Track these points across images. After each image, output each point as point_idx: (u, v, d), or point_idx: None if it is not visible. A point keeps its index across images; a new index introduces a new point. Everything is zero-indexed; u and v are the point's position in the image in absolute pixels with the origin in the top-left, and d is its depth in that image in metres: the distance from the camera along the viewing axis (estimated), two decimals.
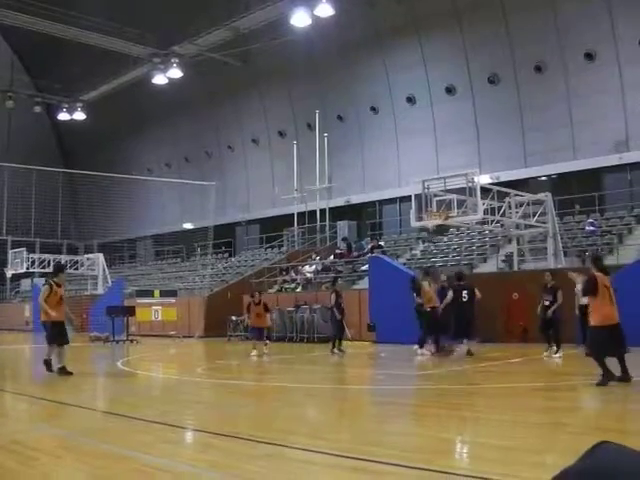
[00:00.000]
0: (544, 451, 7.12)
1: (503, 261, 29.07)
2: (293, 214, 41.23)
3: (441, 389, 13.07)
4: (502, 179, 33.63)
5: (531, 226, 27.03)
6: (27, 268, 45.06)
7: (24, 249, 45.56)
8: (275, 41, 41.04)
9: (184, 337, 33.88)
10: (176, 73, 45.62)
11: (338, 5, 36.53)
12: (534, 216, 26.74)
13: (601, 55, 33.62)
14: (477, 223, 26.86)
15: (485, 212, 24.57)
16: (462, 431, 8.81)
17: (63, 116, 57.67)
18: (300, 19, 37.43)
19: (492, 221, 26.28)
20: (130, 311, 31.98)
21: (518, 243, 27.84)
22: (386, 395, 12.58)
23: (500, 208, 25.63)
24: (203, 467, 6.66)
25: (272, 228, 46.20)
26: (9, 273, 47.11)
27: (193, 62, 45.42)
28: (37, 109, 58.37)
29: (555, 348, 18.54)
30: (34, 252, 48.08)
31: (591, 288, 12.43)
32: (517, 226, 27.24)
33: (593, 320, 12.10)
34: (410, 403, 11.12)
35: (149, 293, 38.61)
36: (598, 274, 12.69)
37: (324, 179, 40.40)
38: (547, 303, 18.55)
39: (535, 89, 35.80)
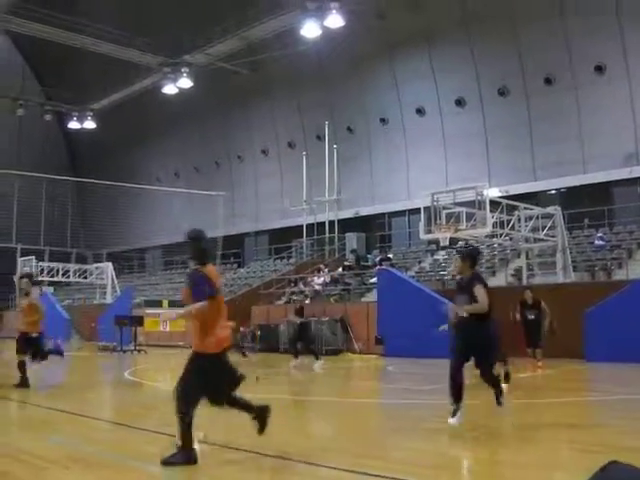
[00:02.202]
0: (553, 468, 7.08)
1: (512, 275, 29.00)
2: (302, 225, 41.26)
3: (446, 404, 13.00)
4: (511, 192, 33.55)
5: (540, 240, 26.97)
6: (36, 276, 45.14)
7: (33, 257, 45.70)
8: (285, 51, 41.16)
9: (191, 347, 33.81)
10: (186, 83, 45.78)
11: (348, 16, 36.62)
12: (543, 230, 26.70)
13: (611, 68, 33.60)
14: (486, 236, 26.83)
15: (494, 225, 24.57)
16: (469, 447, 8.76)
17: (73, 124, 57.85)
18: (310, 30, 37.55)
19: (501, 234, 26.26)
20: (138, 321, 32.01)
21: (527, 257, 27.79)
22: (392, 409, 12.54)
23: (509, 221, 25.62)
24: (206, 479, 6.65)
25: (281, 239, 46.27)
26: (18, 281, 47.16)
27: (203, 71, 45.54)
28: (47, 117, 58.55)
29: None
30: (43, 260, 48.22)
31: (206, 289, 7.53)
32: (526, 240, 27.19)
33: (204, 345, 7.65)
34: (416, 417, 11.08)
35: (157, 303, 38.59)
36: (210, 268, 7.78)
37: (333, 191, 40.40)
38: (533, 317, 19.03)
39: (545, 102, 35.77)
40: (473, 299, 9.51)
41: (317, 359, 22.12)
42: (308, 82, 44.91)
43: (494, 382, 10.29)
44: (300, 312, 23.33)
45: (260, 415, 7.81)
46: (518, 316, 19.20)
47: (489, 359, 10.15)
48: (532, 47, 35.67)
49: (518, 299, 19.48)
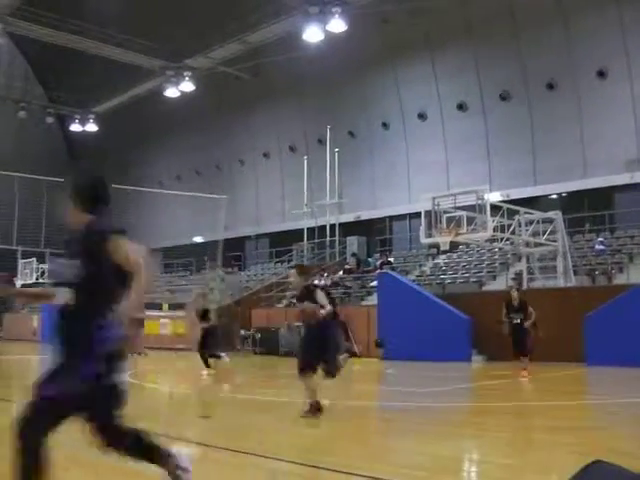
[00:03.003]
0: (548, 470, 7.06)
1: (512, 279, 28.97)
2: (303, 229, 41.22)
3: (446, 407, 13.01)
4: (512, 196, 33.54)
5: (541, 244, 26.97)
6: (36, 278, 45.27)
7: (34, 259, 45.77)
8: (287, 56, 41.13)
9: (192, 350, 33.87)
10: (188, 86, 45.77)
11: (351, 21, 36.58)
12: (544, 234, 26.69)
13: (613, 73, 33.57)
14: (487, 240, 26.82)
15: (495, 229, 24.54)
16: (465, 449, 8.74)
17: (75, 127, 57.85)
18: (312, 34, 37.46)
19: (502, 239, 26.26)
20: (138, 323, 32.00)
21: (528, 261, 27.77)
22: (391, 411, 12.53)
23: (510, 226, 25.61)
24: None
25: (282, 243, 46.21)
26: (18, 283, 47.27)
27: (205, 75, 45.57)
28: (49, 120, 58.58)
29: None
30: (44, 262, 48.26)
31: None
32: (527, 244, 27.18)
33: None
34: (415, 420, 11.06)
35: (158, 306, 38.60)
36: None
37: (334, 194, 40.38)
38: (518, 321, 18.25)
39: (547, 106, 35.75)
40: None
41: (207, 367, 20.72)
42: (310, 86, 44.88)
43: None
44: (204, 316, 21.59)
45: None
46: (505, 319, 18.58)
47: None
48: (534, 52, 35.66)
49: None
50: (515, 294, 18.82)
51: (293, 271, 11.61)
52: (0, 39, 42.74)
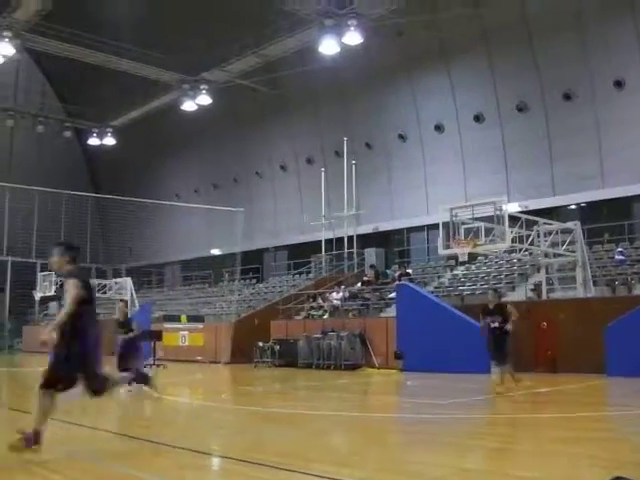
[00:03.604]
0: None
1: (532, 290, 28.82)
2: (321, 241, 41.20)
3: (466, 418, 12.94)
4: (531, 207, 33.41)
5: (560, 255, 26.82)
6: (55, 291, 45.35)
7: (53, 272, 45.87)
8: (304, 68, 41.25)
9: (211, 362, 33.90)
10: (205, 99, 45.98)
11: (366, 33, 36.67)
12: (563, 245, 26.55)
13: (631, 83, 33.46)
14: (505, 251, 26.72)
15: (513, 240, 24.42)
16: (486, 461, 8.68)
17: (93, 141, 58.23)
18: (328, 47, 37.58)
19: (520, 249, 26.13)
20: (157, 335, 32.01)
21: (547, 272, 27.61)
22: (411, 423, 12.47)
23: (529, 236, 25.48)
24: None
25: (300, 255, 46.22)
26: (37, 296, 47.44)
27: (222, 88, 45.73)
28: (67, 134, 58.91)
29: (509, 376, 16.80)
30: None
31: None
32: (546, 255, 27.05)
33: None
34: (435, 432, 11.00)
35: (176, 318, 38.63)
36: None
37: (352, 206, 40.35)
38: (496, 325, 16.58)
39: (564, 117, 35.67)
40: None
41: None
42: (326, 98, 45.03)
43: None
44: (126, 326, 19.41)
45: None
46: (482, 324, 17.07)
47: None
48: (551, 63, 35.62)
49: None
50: (490, 297, 17.52)
51: (56, 249, 8.74)
52: (18, 55, 43.08)
